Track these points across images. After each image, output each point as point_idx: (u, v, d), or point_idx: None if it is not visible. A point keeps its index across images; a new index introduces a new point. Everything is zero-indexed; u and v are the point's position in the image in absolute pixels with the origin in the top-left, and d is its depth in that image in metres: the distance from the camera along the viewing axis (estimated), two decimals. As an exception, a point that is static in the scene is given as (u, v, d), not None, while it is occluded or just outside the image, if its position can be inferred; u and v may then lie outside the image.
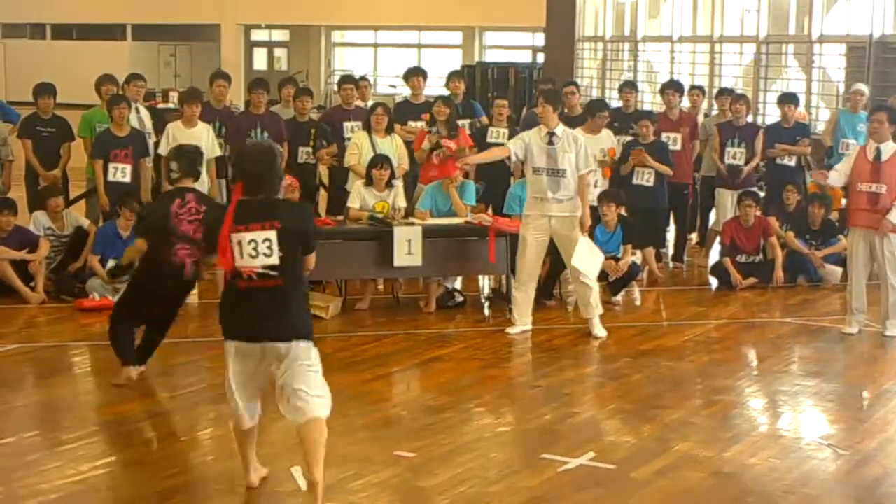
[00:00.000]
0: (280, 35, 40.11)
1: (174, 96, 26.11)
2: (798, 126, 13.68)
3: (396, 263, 10.52)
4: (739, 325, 10.87)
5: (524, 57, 32.98)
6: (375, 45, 38.77)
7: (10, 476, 6.77)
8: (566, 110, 13.29)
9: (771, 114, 17.88)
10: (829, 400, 8.60)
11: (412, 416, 8.06)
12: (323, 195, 13.36)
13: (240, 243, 6.02)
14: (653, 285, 12.38)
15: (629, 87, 14.11)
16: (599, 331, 10.14)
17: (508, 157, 10.50)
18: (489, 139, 12.41)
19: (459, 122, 12.40)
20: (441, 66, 26.15)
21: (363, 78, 14.98)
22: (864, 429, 7.88)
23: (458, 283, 11.55)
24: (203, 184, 11.26)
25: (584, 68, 25.30)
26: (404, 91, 18.52)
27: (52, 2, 37.42)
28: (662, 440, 7.53)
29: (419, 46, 37.17)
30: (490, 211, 11.99)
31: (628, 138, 12.89)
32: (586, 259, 10.10)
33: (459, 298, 11.28)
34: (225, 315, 6.24)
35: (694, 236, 14.32)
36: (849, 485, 6.94)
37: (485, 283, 12.07)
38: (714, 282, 12.48)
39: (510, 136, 11.67)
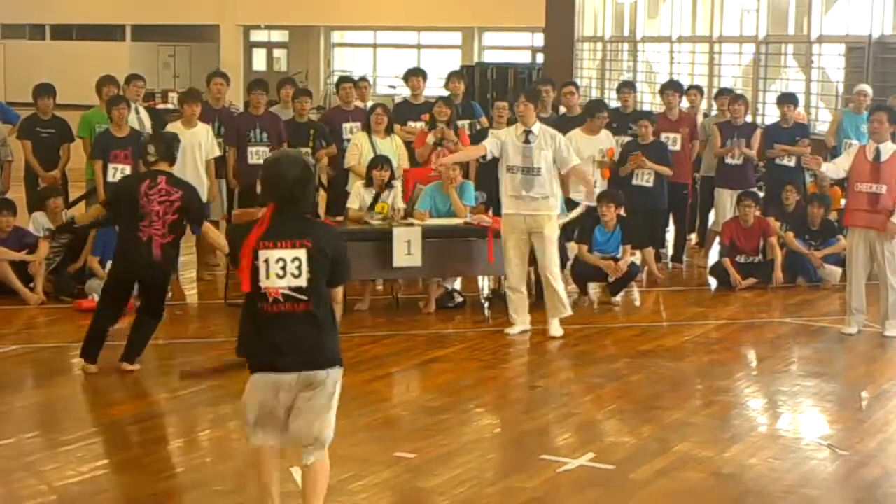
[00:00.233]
0: (279, 36, 40.10)
1: (173, 97, 26.13)
2: (797, 126, 13.68)
3: (396, 264, 10.52)
4: (739, 325, 10.86)
5: (523, 57, 32.99)
6: (375, 46, 38.77)
7: (10, 477, 6.78)
8: (566, 110, 13.35)
9: (770, 114, 17.87)
10: (828, 400, 8.60)
11: (412, 416, 8.07)
12: (322, 196, 13.36)
13: (267, 261, 5.53)
14: (652, 286, 12.38)
15: (627, 87, 14.10)
16: (556, 330, 10.08)
17: (484, 156, 10.43)
18: (490, 140, 12.39)
19: (459, 123, 12.42)
20: (440, 66, 26.15)
21: (363, 78, 14.97)
22: (863, 429, 7.88)
23: (457, 284, 11.55)
24: (202, 184, 11.33)
25: (584, 69, 25.31)
26: (404, 91, 18.53)
27: (52, 2, 37.40)
28: (662, 440, 7.53)
29: (418, 47, 37.17)
30: (490, 212, 11.98)
31: (627, 139, 12.89)
32: None
33: (459, 299, 11.28)
34: (253, 342, 5.66)
35: (693, 237, 14.32)
36: (848, 485, 6.94)
37: (484, 284, 12.07)
38: (713, 282, 12.47)
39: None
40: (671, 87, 13.74)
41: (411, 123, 12.91)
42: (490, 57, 35.04)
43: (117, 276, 8.89)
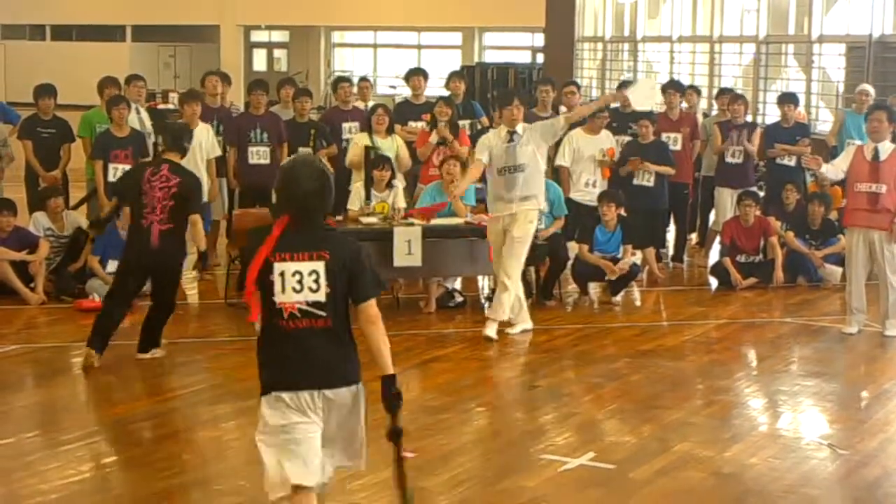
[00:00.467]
0: (280, 36, 40.11)
1: (174, 97, 26.10)
2: (797, 126, 13.69)
3: (396, 264, 10.52)
4: (739, 325, 10.86)
5: (524, 57, 33.01)
6: (375, 46, 38.78)
7: (10, 476, 6.78)
8: (566, 110, 13.33)
9: (771, 114, 17.87)
10: (828, 400, 8.60)
11: (412, 416, 8.02)
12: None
13: (282, 274, 5.13)
14: (653, 285, 12.38)
15: (626, 87, 14.08)
16: (491, 331, 9.92)
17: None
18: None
19: (460, 123, 12.42)
20: (441, 66, 26.15)
21: (364, 78, 14.98)
22: (863, 429, 7.88)
23: (457, 284, 11.55)
24: (203, 183, 11.32)
25: (584, 68, 25.31)
26: (404, 91, 18.53)
27: (52, 3, 37.42)
28: (662, 440, 7.53)
29: (419, 47, 37.17)
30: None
31: (627, 138, 12.90)
32: (643, 94, 11.09)
33: (459, 299, 11.28)
34: (272, 362, 5.23)
35: (694, 236, 14.32)
36: (848, 485, 6.94)
37: (485, 284, 12.06)
38: (714, 282, 12.47)
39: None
40: (672, 87, 13.74)
41: (412, 123, 12.92)
42: (490, 57, 35.06)
43: (126, 262, 9.10)
